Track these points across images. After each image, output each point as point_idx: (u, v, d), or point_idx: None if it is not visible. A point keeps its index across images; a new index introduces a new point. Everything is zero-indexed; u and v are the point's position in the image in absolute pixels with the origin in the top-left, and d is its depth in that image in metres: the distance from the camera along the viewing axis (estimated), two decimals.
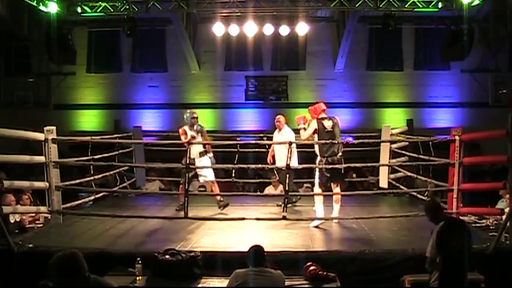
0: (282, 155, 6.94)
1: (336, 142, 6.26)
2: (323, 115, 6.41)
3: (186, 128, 7.08)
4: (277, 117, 7.79)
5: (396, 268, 4.80)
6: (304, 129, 6.47)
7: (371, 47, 13.14)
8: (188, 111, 7.34)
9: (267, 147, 8.15)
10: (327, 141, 6.21)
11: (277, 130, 7.74)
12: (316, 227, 6.15)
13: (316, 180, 6.39)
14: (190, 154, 6.58)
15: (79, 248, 5.04)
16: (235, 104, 13.25)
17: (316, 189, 6.42)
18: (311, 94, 13.32)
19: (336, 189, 6.39)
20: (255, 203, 7.63)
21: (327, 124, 6.32)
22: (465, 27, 10.74)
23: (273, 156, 7.68)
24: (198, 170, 7.01)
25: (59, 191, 6.16)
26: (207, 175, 7.14)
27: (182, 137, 6.90)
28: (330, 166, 6.20)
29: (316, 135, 6.34)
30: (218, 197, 7.12)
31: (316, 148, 6.38)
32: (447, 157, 6.07)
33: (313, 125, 6.34)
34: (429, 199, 4.50)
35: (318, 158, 6.36)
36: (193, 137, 6.90)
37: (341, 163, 6.29)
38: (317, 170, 6.37)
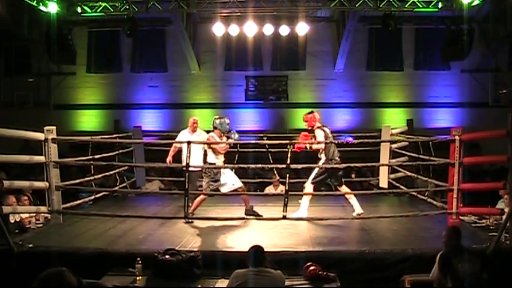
0: (198, 156, 7.15)
1: (336, 145, 6.67)
2: (319, 124, 6.76)
3: (215, 135, 6.62)
4: (195, 118, 7.82)
5: (396, 268, 4.80)
6: (313, 142, 6.65)
7: (371, 47, 13.15)
8: (218, 116, 6.77)
9: (267, 147, 8.14)
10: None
11: (189, 130, 7.68)
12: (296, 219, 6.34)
13: (312, 177, 6.62)
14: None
15: (78, 248, 5.10)
16: (235, 104, 13.25)
17: (308, 184, 6.64)
18: (311, 94, 13.35)
19: (344, 189, 6.75)
20: (255, 203, 7.60)
21: (328, 130, 6.77)
22: (465, 27, 10.74)
23: (173, 156, 7.65)
24: (221, 180, 6.53)
25: (59, 191, 6.15)
26: (234, 182, 6.57)
27: (217, 146, 6.52)
28: (335, 166, 6.54)
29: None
30: (248, 204, 6.64)
31: (323, 152, 6.63)
32: (447, 157, 6.07)
33: (320, 132, 6.68)
34: (452, 227, 4.44)
35: (323, 160, 6.63)
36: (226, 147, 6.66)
37: (340, 164, 6.65)
38: (317, 169, 6.59)
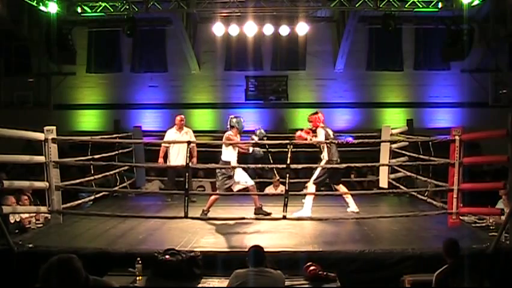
0: (182, 155, 7.40)
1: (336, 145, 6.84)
2: (322, 125, 6.95)
3: (233, 134, 6.69)
4: (182, 116, 8.14)
5: (396, 268, 4.81)
6: (315, 141, 6.83)
7: (371, 47, 13.14)
8: (235, 116, 6.94)
9: (267, 147, 8.14)
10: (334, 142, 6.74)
11: (176, 129, 8.01)
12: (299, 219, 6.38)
13: (314, 177, 6.76)
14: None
15: (78, 248, 5.09)
16: (235, 104, 13.23)
17: (311, 184, 6.79)
18: (311, 94, 13.34)
19: (342, 188, 6.95)
20: None
21: (330, 132, 6.96)
22: (465, 27, 10.75)
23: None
24: (235, 178, 6.51)
25: (59, 191, 6.15)
26: (247, 180, 6.57)
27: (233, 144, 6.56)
28: (336, 166, 6.70)
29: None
30: (257, 204, 6.62)
31: (325, 152, 6.81)
32: (447, 157, 6.07)
33: (322, 131, 6.86)
34: (449, 239, 4.31)
35: (325, 160, 6.80)
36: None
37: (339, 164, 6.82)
38: (319, 169, 6.74)
